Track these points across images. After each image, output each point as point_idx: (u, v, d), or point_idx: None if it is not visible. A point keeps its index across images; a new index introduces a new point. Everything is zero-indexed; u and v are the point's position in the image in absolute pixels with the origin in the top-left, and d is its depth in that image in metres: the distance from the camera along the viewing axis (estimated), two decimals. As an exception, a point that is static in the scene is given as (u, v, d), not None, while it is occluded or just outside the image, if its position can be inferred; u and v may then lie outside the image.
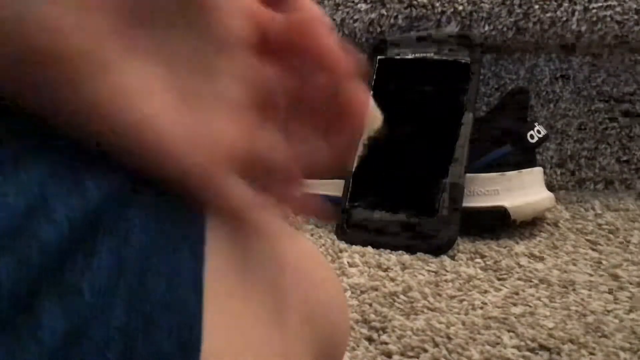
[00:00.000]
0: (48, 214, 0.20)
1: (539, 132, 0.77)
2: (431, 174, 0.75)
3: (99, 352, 0.20)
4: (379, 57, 0.80)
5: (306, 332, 0.29)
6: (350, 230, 0.75)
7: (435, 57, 0.77)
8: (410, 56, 0.78)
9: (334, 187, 0.79)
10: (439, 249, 0.71)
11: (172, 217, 0.23)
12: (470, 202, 0.75)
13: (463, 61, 0.76)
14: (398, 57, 0.79)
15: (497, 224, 0.76)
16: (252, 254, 0.27)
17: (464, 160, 0.74)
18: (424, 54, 0.78)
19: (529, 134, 0.77)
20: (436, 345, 0.53)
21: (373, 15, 0.82)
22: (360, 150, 0.71)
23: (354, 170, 0.78)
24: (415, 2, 0.82)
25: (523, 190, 0.76)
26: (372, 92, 0.79)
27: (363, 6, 0.82)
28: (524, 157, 0.77)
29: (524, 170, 0.77)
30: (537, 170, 0.78)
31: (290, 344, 0.27)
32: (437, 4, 0.82)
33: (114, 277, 0.20)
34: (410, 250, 0.71)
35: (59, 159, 0.22)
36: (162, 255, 0.22)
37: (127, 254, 0.21)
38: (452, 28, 0.82)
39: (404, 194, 0.76)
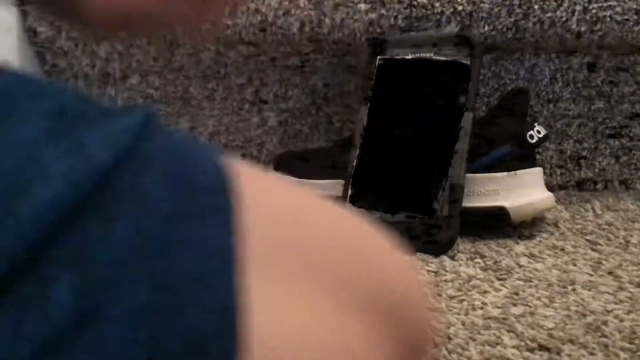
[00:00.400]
0: (41, 173, 0.18)
1: (538, 132, 0.77)
2: (431, 174, 0.75)
3: (120, 333, 0.17)
4: (379, 57, 0.80)
5: (380, 328, 0.26)
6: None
7: (435, 57, 0.77)
8: (410, 56, 0.78)
9: (333, 188, 0.79)
10: (439, 249, 0.71)
11: (195, 184, 0.21)
12: (470, 202, 0.75)
13: (463, 61, 0.76)
14: (398, 57, 0.79)
15: (497, 224, 0.76)
16: (309, 239, 0.25)
17: (463, 161, 0.74)
18: (424, 54, 0.78)
19: (528, 134, 0.77)
20: (436, 345, 0.53)
21: (373, 16, 0.82)
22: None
23: (353, 170, 0.77)
24: (415, 2, 0.82)
25: (523, 191, 0.76)
26: (372, 93, 0.79)
27: (363, 6, 0.82)
28: (524, 157, 0.77)
29: (523, 171, 0.77)
30: (537, 171, 0.78)
31: (355, 338, 0.25)
32: (437, 4, 0.82)
33: (134, 251, 0.19)
34: (411, 250, 0.71)
35: (58, 114, 0.20)
36: (187, 228, 0.20)
37: (149, 224, 0.19)
38: (452, 28, 0.82)
39: (403, 194, 0.76)
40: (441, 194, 0.73)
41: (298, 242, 0.25)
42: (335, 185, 0.79)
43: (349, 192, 0.77)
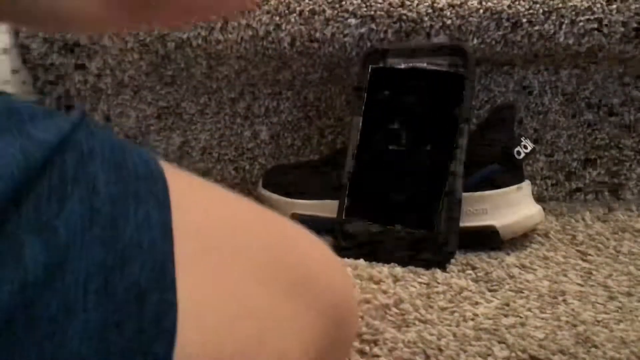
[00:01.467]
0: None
1: (525, 147, 0.77)
2: (429, 187, 0.74)
3: (81, 283, 0.23)
4: (371, 66, 0.79)
5: (303, 293, 0.31)
6: (346, 243, 0.75)
7: (429, 67, 0.76)
8: (403, 66, 0.78)
9: (326, 209, 0.79)
10: (438, 263, 0.71)
11: (134, 173, 0.27)
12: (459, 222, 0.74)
13: (458, 73, 0.75)
14: (391, 66, 0.78)
15: (486, 242, 0.76)
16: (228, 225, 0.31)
17: (461, 173, 0.73)
18: (418, 64, 0.77)
19: (515, 150, 0.76)
20: (427, 357, 0.53)
21: (363, 30, 0.83)
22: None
23: (349, 181, 0.77)
24: (404, 17, 0.82)
25: (512, 208, 0.76)
26: (365, 102, 0.78)
27: (353, 21, 0.83)
28: (512, 173, 0.77)
29: (512, 188, 0.76)
30: (525, 185, 0.78)
31: (281, 304, 0.30)
32: (426, 18, 0.82)
33: (87, 222, 0.24)
34: (410, 264, 0.71)
35: (6, 113, 0.25)
36: (129, 205, 0.25)
37: (97, 203, 0.25)
38: (445, 38, 0.82)
39: (402, 207, 0.75)
40: (440, 208, 0.73)
41: (224, 235, 0.30)
42: (327, 206, 0.79)
43: (345, 203, 0.77)
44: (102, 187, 0.25)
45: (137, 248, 0.25)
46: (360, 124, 0.78)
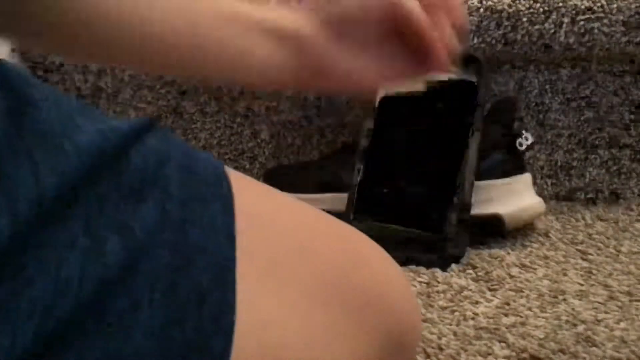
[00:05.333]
0: (79, 129, 0.25)
1: (527, 139, 0.78)
2: (440, 190, 0.74)
3: (149, 283, 0.24)
4: None
5: (367, 315, 0.31)
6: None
7: (443, 74, 0.77)
8: None
9: (336, 202, 0.79)
10: (445, 264, 0.71)
11: (203, 178, 0.28)
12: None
13: (470, 80, 0.76)
14: None
15: (491, 231, 0.76)
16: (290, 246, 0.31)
17: (472, 178, 0.74)
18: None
19: (517, 142, 0.78)
20: (428, 356, 0.53)
21: (363, 29, 0.83)
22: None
23: (359, 182, 0.77)
24: (404, 16, 0.82)
25: (515, 197, 0.77)
26: (378, 105, 0.79)
27: (353, 20, 0.82)
28: (514, 164, 0.78)
29: (515, 177, 0.78)
30: (527, 177, 0.79)
31: (343, 324, 0.30)
32: (427, 18, 0.82)
33: (160, 223, 0.25)
34: (417, 264, 0.71)
35: (82, 107, 0.27)
36: (197, 208, 0.27)
37: (169, 206, 0.26)
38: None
39: (412, 209, 0.76)
40: (450, 211, 0.73)
41: (291, 249, 0.31)
42: (333, 200, 0.79)
43: (354, 203, 0.77)
44: (174, 190, 0.27)
45: (202, 252, 0.26)
46: (372, 126, 0.78)
